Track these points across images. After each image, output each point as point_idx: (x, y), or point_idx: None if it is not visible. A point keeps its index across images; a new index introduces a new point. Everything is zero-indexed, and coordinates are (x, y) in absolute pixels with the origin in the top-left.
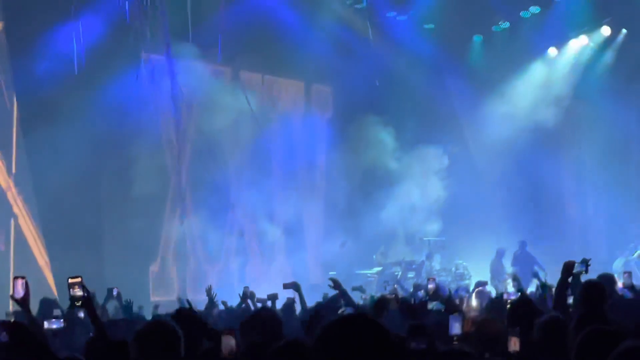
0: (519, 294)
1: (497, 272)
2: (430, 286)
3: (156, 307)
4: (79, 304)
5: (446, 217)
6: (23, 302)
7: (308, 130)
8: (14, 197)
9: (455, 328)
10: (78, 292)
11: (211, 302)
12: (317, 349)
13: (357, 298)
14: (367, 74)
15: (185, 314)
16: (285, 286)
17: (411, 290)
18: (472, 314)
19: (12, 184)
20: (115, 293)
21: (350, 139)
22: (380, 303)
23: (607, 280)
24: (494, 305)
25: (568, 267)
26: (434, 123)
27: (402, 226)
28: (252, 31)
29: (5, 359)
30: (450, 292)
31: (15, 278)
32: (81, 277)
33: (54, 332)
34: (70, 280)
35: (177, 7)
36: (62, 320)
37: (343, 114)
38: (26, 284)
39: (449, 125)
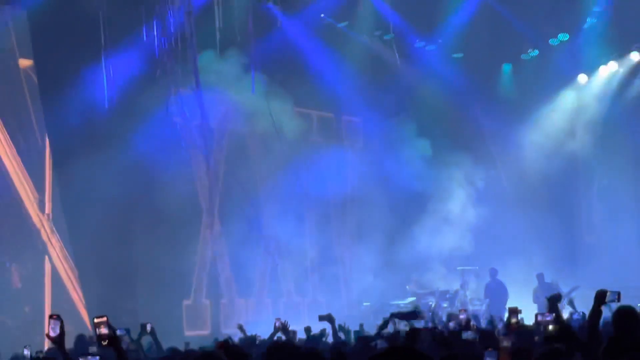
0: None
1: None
2: (462, 317)
3: (187, 344)
4: (105, 342)
5: (479, 245)
6: (58, 340)
7: (338, 161)
8: (47, 235)
9: None
10: (104, 331)
11: (246, 337)
12: None
13: (392, 328)
14: (396, 104)
15: (231, 346)
16: (321, 318)
17: (444, 320)
18: (505, 344)
19: (45, 222)
20: (149, 329)
21: (380, 169)
22: (411, 333)
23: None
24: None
25: (600, 296)
26: (464, 151)
27: (436, 255)
28: (282, 63)
29: None
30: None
31: (50, 316)
32: (107, 317)
33: None
34: (96, 320)
35: (206, 42)
36: (97, 357)
37: (372, 145)
38: (61, 322)
39: (480, 154)
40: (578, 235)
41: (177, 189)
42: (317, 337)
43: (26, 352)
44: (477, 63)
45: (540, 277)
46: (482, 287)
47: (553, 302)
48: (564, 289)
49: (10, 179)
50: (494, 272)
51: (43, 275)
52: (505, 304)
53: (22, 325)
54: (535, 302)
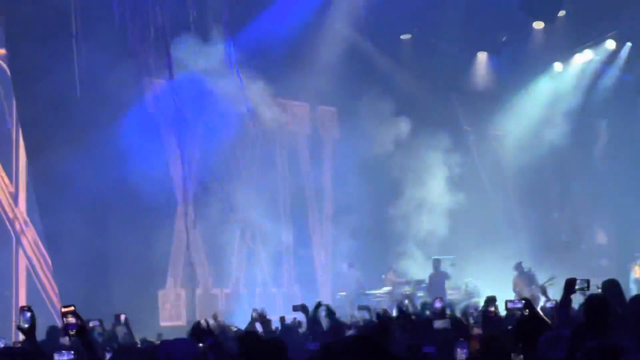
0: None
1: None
2: (437, 305)
3: (160, 335)
4: (73, 332)
5: (455, 231)
6: (29, 332)
7: (315, 150)
8: (20, 226)
9: (461, 354)
10: (72, 320)
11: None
12: None
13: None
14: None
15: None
16: (295, 309)
17: (419, 309)
18: (476, 332)
19: (19, 214)
20: (122, 319)
21: (357, 157)
22: (382, 323)
23: (612, 287)
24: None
25: (570, 284)
26: (441, 135)
27: (413, 240)
28: (259, 52)
29: None
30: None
31: (21, 308)
32: (74, 306)
33: None
34: (63, 310)
35: (180, 30)
36: (72, 351)
37: (349, 134)
38: (32, 313)
39: (456, 140)
40: (554, 226)
41: (151, 179)
42: (291, 326)
43: (0, 344)
44: (453, 50)
45: (519, 266)
46: (458, 276)
47: (544, 291)
48: (540, 279)
49: None
50: (436, 263)
51: (12, 267)
52: (445, 294)
53: None
54: (514, 291)
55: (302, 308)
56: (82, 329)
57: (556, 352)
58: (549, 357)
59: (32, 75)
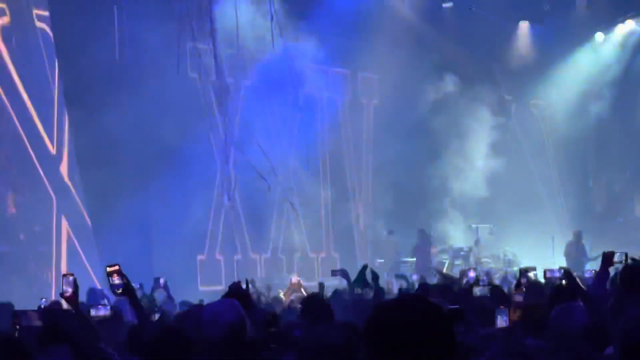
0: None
1: (576, 256)
2: (471, 275)
3: (201, 300)
4: (119, 291)
5: (494, 200)
6: (71, 299)
7: (355, 117)
8: (61, 189)
9: (501, 321)
10: (117, 280)
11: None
12: (370, 329)
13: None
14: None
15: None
16: (333, 273)
17: (457, 277)
18: (517, 299)
19: (60, 176)
20: (162, 282)
21: (397, 121)
22: (420, 290)
23: None
24: None
25: (608, 257)
26: (481, 105)
27: (452, 209)
28: (303, 19)
29: (46, 344)
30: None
31: (64, 275)
32: (119, 265)
33: (101, 320)
34: (108, 269)
35: None
36: (108, 307)
37: (390, 101)
38: (74, 281)
39: (498, 109)
40: (590, 197)
41: (191, 143)
42: (341, 291)
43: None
44: (496, 19)
45: (577, 234)
46: (494, 244)
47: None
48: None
49: (25, 130)
50: (420, 233)
51: (53, 229)
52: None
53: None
54: (565, 255)
55: (342, 272)
56: (127, 287)
57: (568, 321)
58: (561, 326)
59: (74, 38)
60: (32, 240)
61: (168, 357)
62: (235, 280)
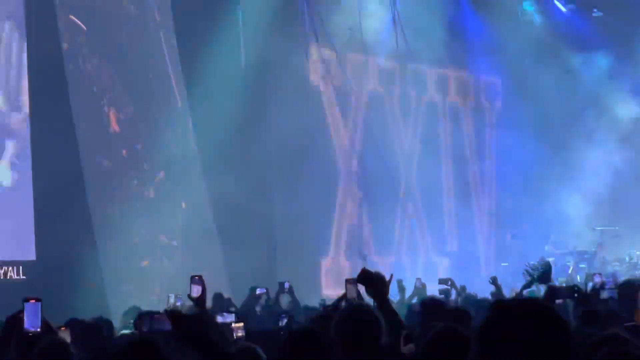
0: None
1: None
2: (597, 280)
3: (323, 300)
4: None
5: (620, 199)
6: (199, 301)
7: (477, 119)
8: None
9: None
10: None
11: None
12: (485, 330)
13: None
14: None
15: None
16: (441, 281)
17: (583, 281)
18: None
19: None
20: (287, 286)
21: (520, 125)
22: (550, 291)
23: None
24: None
25: None
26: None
27: (574, 213)
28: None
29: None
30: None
31: (192, 277)
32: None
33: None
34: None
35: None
36: (234, 314)
37: (511, 103)
38: (203, 283)
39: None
40: None
41: (315, 147)
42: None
43: (178, 302)
44: (616, 22)
45: None
46: (621, 247)
47: None
48: None
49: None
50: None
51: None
52: None
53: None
54: None
55: (448, 281)
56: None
57: None
58: None
59: (198, 46)
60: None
61: None
62: None
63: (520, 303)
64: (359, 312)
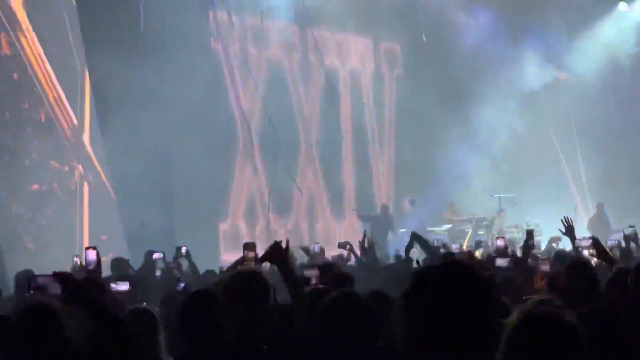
0: None
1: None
2: (499, 244)
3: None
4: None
5: (516, 171)
6: (94, 272)
7: (377, 87)
8: (84, 158)
9: None
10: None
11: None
12: (411, 294)
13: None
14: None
15: None
16: (340, 245)
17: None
18: (543, 268)
19: (83, 146)
20: (184, 251)
21: (419, 93)
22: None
23: None
24: None
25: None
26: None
27: (475, 179)
28: None
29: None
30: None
31: (87, 248)
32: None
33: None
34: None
35: None
36: (128, 282)
37: (412, 71)
38: (97, 254)
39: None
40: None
41: (213, 113)
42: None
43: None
44: None
45: (600, 207)
46: (519, 214)
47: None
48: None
49: (50, 103)
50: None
51: (76, 199)
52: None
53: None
54: (589, 230)
55: (346, 245)
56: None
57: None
58: None
59: (98, 9)
60: None
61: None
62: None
63: (441, 266)
64: (243, 276)
